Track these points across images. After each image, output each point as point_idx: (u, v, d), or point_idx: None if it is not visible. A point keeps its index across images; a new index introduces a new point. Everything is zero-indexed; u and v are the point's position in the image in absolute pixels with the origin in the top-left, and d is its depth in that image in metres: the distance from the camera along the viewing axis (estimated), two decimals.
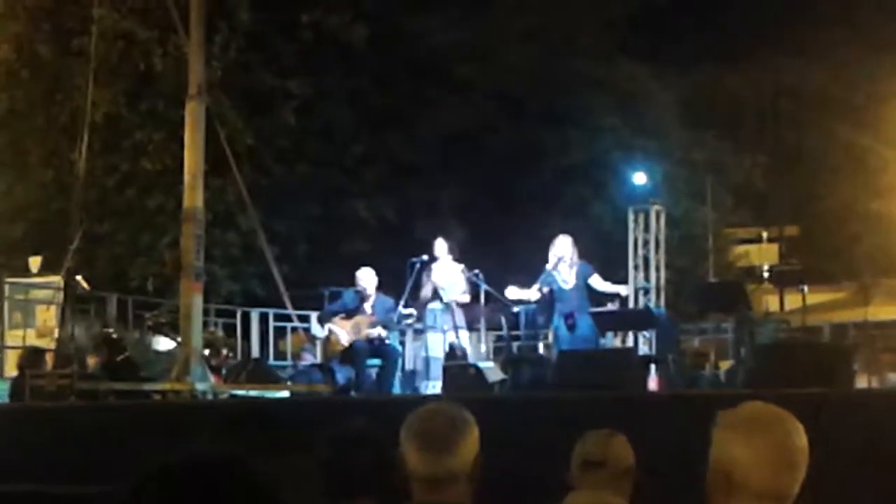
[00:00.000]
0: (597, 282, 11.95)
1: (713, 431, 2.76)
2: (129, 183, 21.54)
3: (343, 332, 12.04)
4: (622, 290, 12.54)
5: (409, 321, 12.40)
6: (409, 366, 13.19)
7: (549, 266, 11.95)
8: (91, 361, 12.84)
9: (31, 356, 12.21)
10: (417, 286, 12.54)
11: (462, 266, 12.66)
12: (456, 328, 12.43)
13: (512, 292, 12.15)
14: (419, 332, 13.08)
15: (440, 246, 12.71)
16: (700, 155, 29.32)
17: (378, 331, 11.92)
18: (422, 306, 12.53)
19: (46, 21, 21.62)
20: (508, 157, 25.41)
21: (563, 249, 11.96)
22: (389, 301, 12.28)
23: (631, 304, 18.06)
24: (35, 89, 21.83)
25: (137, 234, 21.56)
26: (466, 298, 12.60)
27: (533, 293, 12.07)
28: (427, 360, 12.29)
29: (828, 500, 2.85)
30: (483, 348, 13.93)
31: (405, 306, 12.40)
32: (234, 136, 18.49)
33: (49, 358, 12.47)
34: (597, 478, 3.84)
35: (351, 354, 11.90)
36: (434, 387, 11.82)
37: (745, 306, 12.40)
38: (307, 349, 15.98)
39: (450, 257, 12.69)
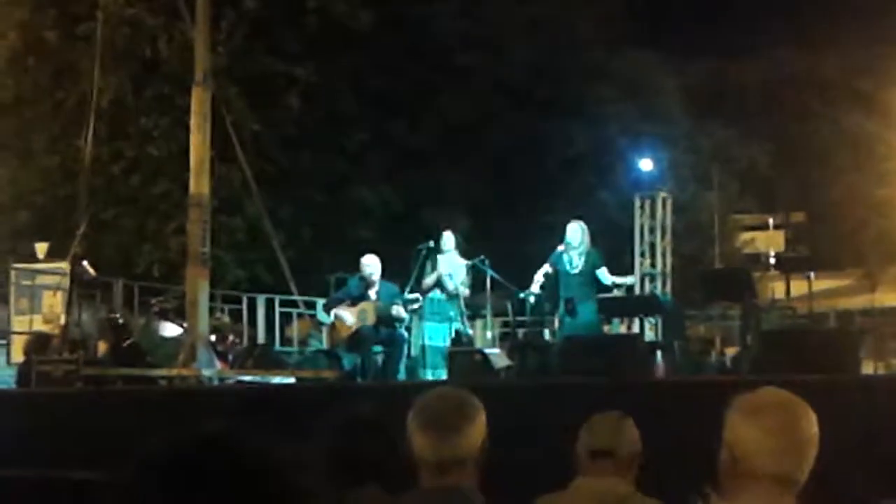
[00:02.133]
0: (603, 274, 11.96)
1: (726, 414, 2.78)
2: (135, 169, 21.57)
3: (348, 314, 12.03)
4: (627, 280, 12.47)
5: (415, 306, 12.39)
6: (413, 352, 13.18)
7: (560, 248, 11.98)
8: (101, 347, 12.87)
9: (38, 342, 12.24)
10: (422, 273, 12.54)
11: (466, 261, 12.65)
12: (461, 315, 12.44)
13: (528, 291, 12.20)
14: (423, 321, 13.09)
15: (448, 238, 12.69)
16: (706, 142, 29.30)
17: (398, 309, 11.89)
18: (423, 295, 12.53)
19: (52, 7, 21.63)
20: (514, 145, 25.38)
21: (573, 235, 11.98)
22: (394, 287, 12.26)
23: (637, 291, 18.09)
24: (41, 76, 21.86)
25: (143, 220, 21.58)
26: (466, 292, 12.61)
27: (543, 271, 12.13)
28: (425, 349, 12.28)
29: (833, 486, 2.85)
30: (489, 335, 13.93)
31: (410, 292, 12.41)
32: (239, 122, 18.49)
33: (56, 343, 12.49)
34: (604, 465, 3.84)
35: (357, 341, 11.89)
36: (433, 375, 11.82)
37: (751, 293, 12.38)
38: (313, 335, 15.99)
39: (457, 251, 12.68)
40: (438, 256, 12.56)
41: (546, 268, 12.13)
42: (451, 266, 12.54)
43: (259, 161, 20.00)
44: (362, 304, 12.04)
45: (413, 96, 24.53)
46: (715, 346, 17.42)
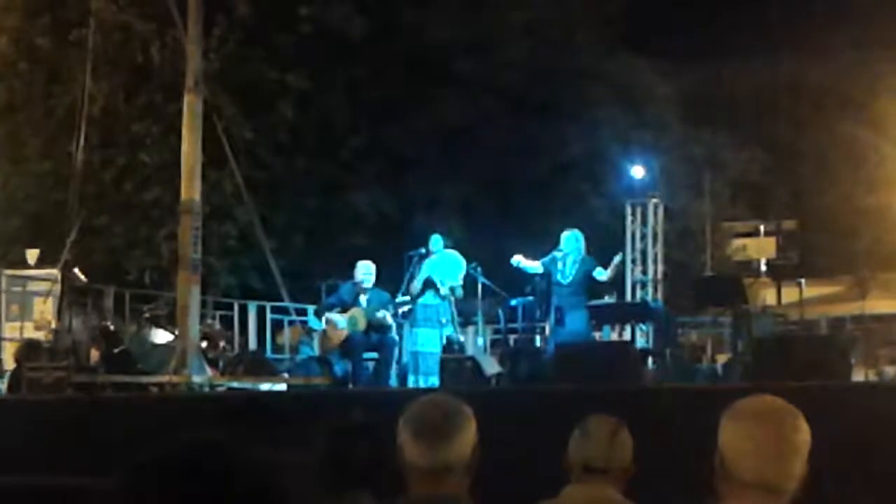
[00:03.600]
0: (600, 272, 11.93)
1: (721, 420, 2.79)
2: (127, 176, 21.51)
3: (340, 318, 12.05)
4: (616, 259, 12.33)
5: (404, 309, 12.38)
6: (404, 359, 13.19)
7: (556, 253, 11.97)
8: (93, 354, 12.86)
9: (29, 349, 12.22)
10: (414, 279, 12.53)
11: (459, 259, 12.61)
12: (452, 321, 12.43)
13: (518, 258, 12.14)
14: (414, 327, 13.08)
15: (436, 241, 12.68)
16: (698, 149, 29.32)
17: (384, 314, 11.93)
18: (412, 300, 12.52)
19: (44, 13, 21.59)
20: (507, 151, 25.37)
21: (565, 244, 12.00)
22: (385, 294, 12.30)
23: (628, 297, 18.11)
24: (33, 82, 21.81)
25: (135, 226, 21.52)
26: (460, 293, 12.57)
27: (537, 265, 12.09)
28: (417, 355, 12.26)
29: (824, 493, 2.86)
30: (480, 341, 13.93)
31: (402, 295, 12.41)
32: (231, 128, 18.46)
33: (47, 350, 12.47)
34: (597, 478, 3.83)
35: (348, 347, 11.90)
36: (424, 381, 11.82)
37: (743, 300, 12.41)
38: (305, 342, 15.99)
39: (447, 252, 12.66)
40: (426, 261, 12.54)
41: (535, 263, 12.11)
42: (441, 268, 12.51)
43: (251, 167, 19.98)
44: (352, 311, 12.07)
45: (406, 102, 24.52)
46: (706, 352, 17.46)
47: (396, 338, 12.27)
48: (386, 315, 11.91)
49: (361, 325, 11.93)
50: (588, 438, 3.89)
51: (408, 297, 12.43)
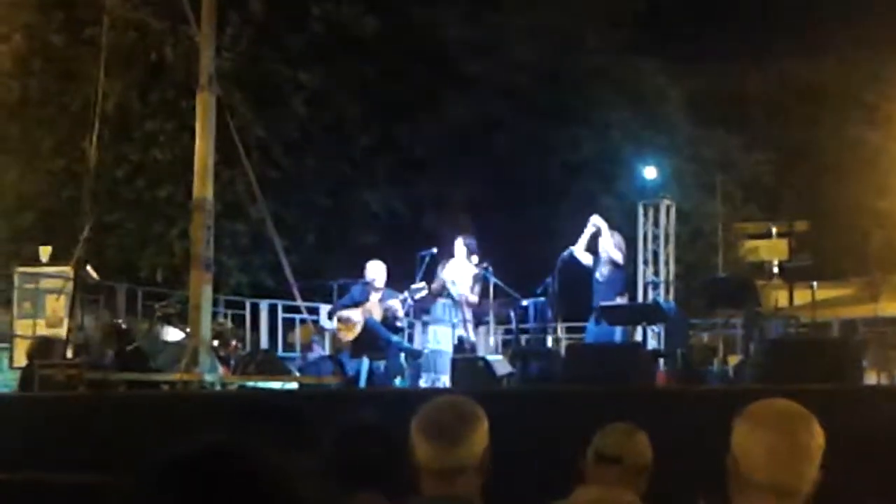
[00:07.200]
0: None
1: (734, 423, 2.79)
2: (140, 173, 21.58)
3: (356, 312, 12.14)
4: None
5: (420, 295, 12.36)
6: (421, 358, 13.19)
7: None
8: (105, 351, 12.88)
9: (41, 346, 12.24)
10: (429, 278, 12.52)
11: (475, 269, 12.58)
12: (465, 322, 12.43)
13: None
14: (428, 325, 13.09)
15: (459, 246, 12.65)
16: (710, 150, 29.29)
17: (395, 303, 12.02)
18: (432, 299, 12.53)
19: (58, 11, 21.67)
20: (518, 152, 25.40)
21: (602, 244, 12.14)
22: (397, 294, 12.32)
23: (640, 299, 18.08)
24: (47, 79, 21.89)
25: (147, 224, 21.59)
26: (474, 298, 12.56)
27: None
28: (434, 354, 12.28)
29: (835, 496, 2.86)
30: (491, 342, 13.91)
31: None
32: (244, 126, 18.50)
33: (59, 347, 12.50)
34: (610, 473, 3.83)
35: (366, 333, 12.01)
36: (440, 380, 11.83)
37: (755, 301, 12.38)
38: (316, 341, 16.00)
39: (468, 259, 12.62)
40: (448, 262, 12.55)
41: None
42: (458, 271, 12.52)
43: (263, 166, 20.02)
44: (366, 305, 12.15)
45: (418, 102, 24.54)
46: (718, 354, 17.39)
47: (403, 339, 12.35)
48: (397, 304, 12.05)
49: (377, 315, 12.09)
50: (605, 434, 3.96)
51: (423, 284, 12.41)
